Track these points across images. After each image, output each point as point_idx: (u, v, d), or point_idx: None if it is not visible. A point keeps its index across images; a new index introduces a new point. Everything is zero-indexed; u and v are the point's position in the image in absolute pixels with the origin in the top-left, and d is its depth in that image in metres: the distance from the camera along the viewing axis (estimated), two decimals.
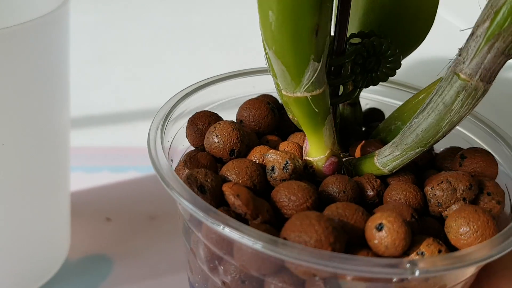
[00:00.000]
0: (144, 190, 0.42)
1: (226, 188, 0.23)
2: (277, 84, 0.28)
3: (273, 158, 0.25)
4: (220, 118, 0.29)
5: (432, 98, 0.24)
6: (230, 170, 0.24)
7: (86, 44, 0.64)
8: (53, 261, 0.34)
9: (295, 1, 0.21)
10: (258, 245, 0.20)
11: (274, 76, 0.26)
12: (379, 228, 0.21)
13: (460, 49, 0.23)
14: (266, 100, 0.31)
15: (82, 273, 0.34)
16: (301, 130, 0.30)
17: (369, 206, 0.25)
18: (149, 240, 0.37)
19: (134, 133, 0.49)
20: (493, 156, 0.27)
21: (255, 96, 0.34)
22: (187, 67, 0.62)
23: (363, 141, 0.29)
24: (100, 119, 0.51)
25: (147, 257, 0.36)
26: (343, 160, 0.28)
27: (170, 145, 0.28)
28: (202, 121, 0.29)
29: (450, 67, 0.24)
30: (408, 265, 0.19)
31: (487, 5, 0.21)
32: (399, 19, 0.30)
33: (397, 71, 0.28)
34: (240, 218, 0.23)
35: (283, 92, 0.24)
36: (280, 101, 0.33)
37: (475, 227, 0.22)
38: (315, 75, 0.23)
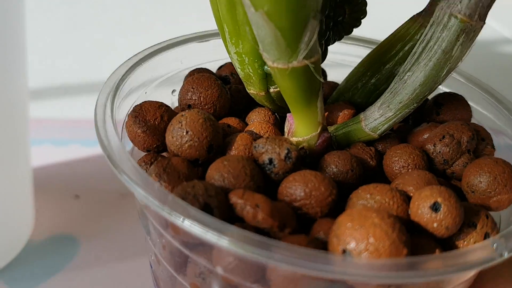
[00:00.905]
0: None
1: (236, 199, 0.18)
2: (250, 56, 0.23)
3: (267, 148, 0.20)
4: (171, 109, 0.23)
5: (426, 45, 0.21)
6: (223, 174, 0.19)
7: (59, 12, 0.60)
8: (14, 241, 0.31)
9: None
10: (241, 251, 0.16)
11: (247, 48, 0.21)
12: (436, 208, 0.18)
13: None
14: (212, 76, 0.25)
15: (46, 255, 0.31)
16: (259, 106, 0.26)
17: (369, 178, 0.23)
18: (119, 219, 0.34)
19: None
20: (464, 98, 0.26)
21: (186, 72, 0.28)
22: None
23: (330, 105, 0.26)
24: (72, 89, 0.48)
25: (116, 238, 0.33)
26: None
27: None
28: (152, 115, 0.22)
29: (440, 8, 0.21)
30: (495, 246, 0.16)
31: None
32: None
33: None
34: (262, 233, 0.18)
35: (273, 65, 0.19)
36: (224, 75, 0.28)
37: (503, 180, 0.21)
38: (314, 37, 0.19)
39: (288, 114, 0.23)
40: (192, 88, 0.25)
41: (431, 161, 0.23)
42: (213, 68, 0.30)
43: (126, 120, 0.23)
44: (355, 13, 0.25)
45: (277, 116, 0.26)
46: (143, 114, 0.22)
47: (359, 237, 0.16)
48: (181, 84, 0.28)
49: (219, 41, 0.29)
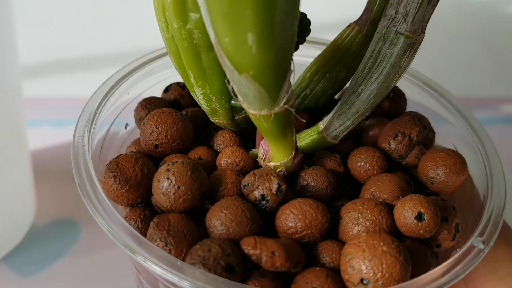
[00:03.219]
0: None
1: (250, 250, 0.19)
2: (217, 95, 0.23)
3: (257, 185, 0.22)
4: (146, 158, 0.23)
5: (376, 61, 0.23)
6: (226, 223, 0.20)
7: None
8: (17, 227, 0.31)
9: (282, 8, 0.16)
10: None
11: (213, 89, 0.22)
12: (420, 218, 0.21)
13: (389, 8, 0.23)
14: (172, 111, 0.25)
15: (49, 240, 0.31)
16: (220, 128, 0.27)
17: (338, 182, 0.25)
18: None
19: None
20: (399, 89, 0.29)
21: (134, 105, 0.28)
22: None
23: None
24: (68, 64, 0.45)
25: None
26: None
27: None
28: (132, 172, 0.22)
29: (386, 26, 0.23)
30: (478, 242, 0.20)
31: None
32: None
33: None
34: (279, 274, 0.20)
35: (255, 113, 0.20)
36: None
37: (456, 170, 0.24)
38: (291, 83, 0.20)
39: (262, 142, 0.24)
40: (156, 128, 0.24)
41: (388, 157, 0.26)
42: (158, 91, 0.29)
43: (102, 178, 0.22)
44: (301, 33, 0.26)
45: (238, 135, 0.27)
46: (121, 171, 0.22)
47: (374, 267, 0.18)
48: (131, 116, 0.28)
49: (157, 64, 0.29)
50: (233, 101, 0.24)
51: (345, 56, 0.26)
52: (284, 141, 0.23)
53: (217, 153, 0.26)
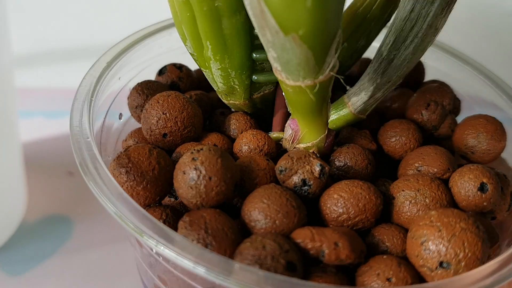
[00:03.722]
0: None
1: (308, 241, 0.16)
2: (237, 69, 0.20)
3: (296, 169, 0.19)
4: (161, 149, 0.20)
5: (410, 23, 0.21)
6: (271, 215, 0.17)
7: None
8: (7, 223, 0.29)
9: None
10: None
11: (234, 62, 0.19)
12: (483, 189, 0.18)
13: None
14: (179, 94, 0.22)
15: (40, 236, 0.30)
16: (222, 108, 0.24)
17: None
18: None
19: None
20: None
21: (129, 90, 0.24)
22: None
23: None
24: (63, 54, 0.43)
25: (112, 218, 0.31)
26: None
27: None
28: (147, 165, 0.19)
29: None
30: None
31: None
32: None
33: None
34: (341, 268, 0.17)
35: (296, 84, 0.17)
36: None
37: (498, 137, 0.22)
38: (339, 47, 0.17)
39: (289, 122, 0.21)
40: (163, 114, 0.21)
41: (421, 128, 0.23)
42: (151, 73, 0.26)
43: (114, 176, 0.19)
44: None
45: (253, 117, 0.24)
46: (135, 165, 0.18)
47: (455, 247, 0.16)
48: (125, 104, 0.24)
49: (147, 43, 0.26)
50: (254, 76, 0.21)
51: (365, 22, 0.24)
52: (319, 118, 0.20)
53: (232, 139, 0.23)
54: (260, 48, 0.20)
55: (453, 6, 0.21)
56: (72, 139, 0.19)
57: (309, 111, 0.19)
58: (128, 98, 0.24)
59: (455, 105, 0.25)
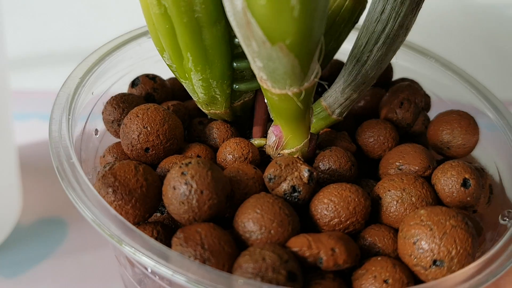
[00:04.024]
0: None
1: (305, 249, 0.16)
2: (218, 79, 0.20)
3: (285, 176, 0.19)
4: (146, 165, 0.19)
5: (381, 24, 0.21)
6: (265, 225, 0.17)
7: None
8: (2, 225, 0.29)
9: None
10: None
11: (215, 72, 0.19)
12: (466, 184, 0.19)
13: None
14: (159, 107, 0.21)
15: (35, 239, 0.30)
16: (200, 116, 0.23)
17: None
18: None
19: None
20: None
21: (101, 104, 0.23)
22: None
23: None
24: (59, 56, 0.43)
25: None
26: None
27: None
28: (135, 182, 0.18)
29: None
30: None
31: None
32: None
33: None
34: (338, 273, 0.17)
35: (282, 92, 0.17)
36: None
37: (471, 130, 0.23)
38: (322, 53, 0.17)
39: (272, 128, 0.21)
40: (144, 128, 0.21)
41: (396, 126, 0.24)
42: (123, 86, 0.25)
43: (101, 195, 0.18)
44: None
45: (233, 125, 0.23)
46: (122, 184, 0.18)
47: (447, 245, 0.16)
48: (100, 119, 0.24)
49: (116, 56, 0.25)
50: (235, 85, 0.21)
51: (335, 25, 0.24)
52: (302, 123, 0.20)
53: (214, 148, 0.22)
54: (240, 57, 0.20)
55: (422, 5, 0.22)
56: (55, 162, 0.18)
57: (294, 117, 0.19)
58: (102, 112, 0.23)
59: (426, 101, 0.26)
